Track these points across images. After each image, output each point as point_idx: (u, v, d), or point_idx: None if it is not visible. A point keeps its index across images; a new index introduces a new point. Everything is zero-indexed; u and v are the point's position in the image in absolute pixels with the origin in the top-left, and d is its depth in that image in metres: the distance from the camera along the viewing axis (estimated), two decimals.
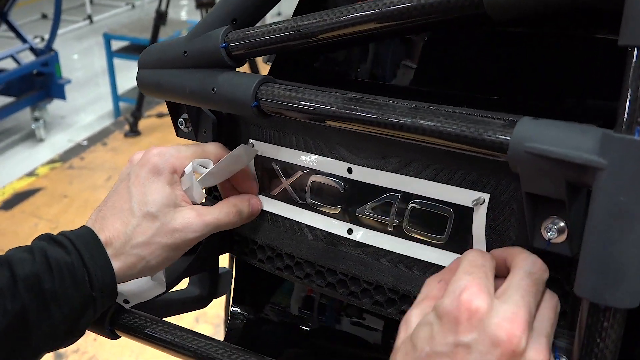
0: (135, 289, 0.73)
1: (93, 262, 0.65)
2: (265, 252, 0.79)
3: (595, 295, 0.46)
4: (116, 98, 5.07)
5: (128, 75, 5.27)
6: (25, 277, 0.62)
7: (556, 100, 0.67)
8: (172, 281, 0.78)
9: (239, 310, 0.89)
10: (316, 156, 0.72)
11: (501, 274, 0.56)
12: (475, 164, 0.60)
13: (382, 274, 0.69)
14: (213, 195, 0.84)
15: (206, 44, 0.70)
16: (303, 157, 0.73)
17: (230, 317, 0.88)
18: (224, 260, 0.86)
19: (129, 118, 4.69)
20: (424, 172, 0.64)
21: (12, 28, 4.82)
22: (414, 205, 0.65)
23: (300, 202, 0.75)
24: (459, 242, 0.63)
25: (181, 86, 0.72)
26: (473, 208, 0.61)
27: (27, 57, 4.91)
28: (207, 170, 0.73)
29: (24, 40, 4.87)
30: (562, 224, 0.53)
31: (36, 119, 4.76)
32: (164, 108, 1.76)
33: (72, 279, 0.64)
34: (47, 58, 4.83)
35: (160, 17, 4.49)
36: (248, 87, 0.67)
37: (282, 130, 0.74)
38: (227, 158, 0.72)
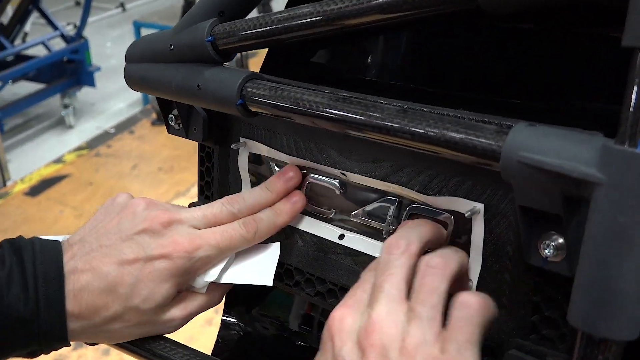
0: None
1: (48, 330, 0.59)
2: None
3: (588, 325, 0.41)
4: None
5: None
6: None
7: (565, 102, 0.62)
8: None
9: (230, 318, 0.85)
10: (308, 158, 0.68)
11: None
12: (470, 172, 0.55)
13: None
14: (205, 196, 0.80)
15: (192, 38, 0.66)
16: (296, 158, 0.69)
17: (220, 326, 0.85)
18: None
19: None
20: (416, 178, 0.59)
21: (43, 15, 4.87)
22: (412, 211, 0.61)
23: None
24: None
25: (167, 82, 0.68)
26: (471, 217, 0.57)
27: (59, 45, 4.94)
28: (232, 267, 0.66)
29: (55, 27, 4.91)
30: (560, 241, 0.48)
31: (66, 106, 4.80)
32: None
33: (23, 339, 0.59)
34: (77, 45, 4.86)
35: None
36: (233, 83, 0.63)
37: (272, 130, 0.70)
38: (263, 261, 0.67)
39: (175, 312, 0.64)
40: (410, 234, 0.54)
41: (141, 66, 0.71)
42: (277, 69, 0.73)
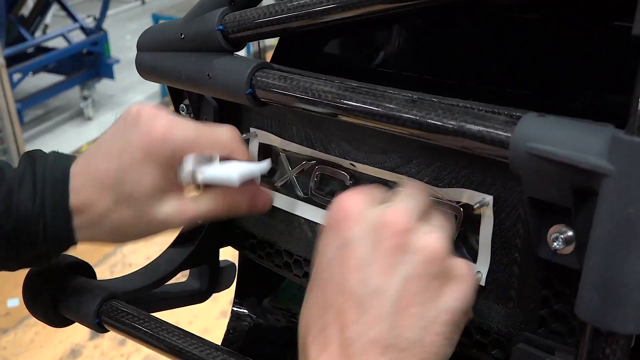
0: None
1: (53, 227, 0.62)
2: (265, 247, 0.75)
3: (595, 318, 0.40)
4: None
5: None
6: None
7: (577, 94, 0.61)
8: (168, 274, 0.75)
9: (241, 309, 0.85)
10: (318, 148, 0.67)
11: None
12: (479, 164, 0.54)
13: None
14: None
15: (202, 27, 0.66)
16: (306, 148, 0.68)
17: (231, 317, 0.84)
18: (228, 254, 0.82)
19: None
20: (425, 170, 0.59)
21: (63, 7, 4.90)
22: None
23: (304, 196, 0.71)
24: (466, 243, 0.58)
25: (177, 71, 0.68)
26: (481, 209, 0.56)
27: (78, 37, 4.97)
28: (211, 166, 0.65)
29: (75, 20, 4.94)
30: (570, 234, 0.47)
31: (85, 98, 4.83)
32: None
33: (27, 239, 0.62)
34: (97, 38, 4.89)
35: None
36: (243, 73, 0.62)
37: (282, 120, 0.70)
38: (245, 167, 0.65)
39: (169, 207, 0.65)
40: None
41: (152, 55, 0.72)
42: (287, 58, 0.73)
